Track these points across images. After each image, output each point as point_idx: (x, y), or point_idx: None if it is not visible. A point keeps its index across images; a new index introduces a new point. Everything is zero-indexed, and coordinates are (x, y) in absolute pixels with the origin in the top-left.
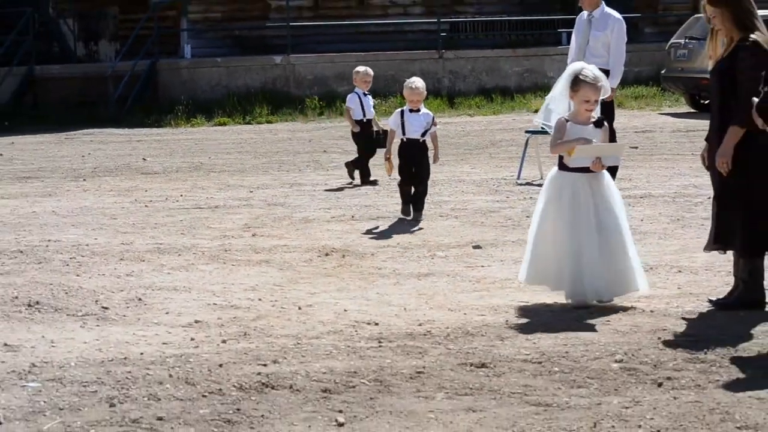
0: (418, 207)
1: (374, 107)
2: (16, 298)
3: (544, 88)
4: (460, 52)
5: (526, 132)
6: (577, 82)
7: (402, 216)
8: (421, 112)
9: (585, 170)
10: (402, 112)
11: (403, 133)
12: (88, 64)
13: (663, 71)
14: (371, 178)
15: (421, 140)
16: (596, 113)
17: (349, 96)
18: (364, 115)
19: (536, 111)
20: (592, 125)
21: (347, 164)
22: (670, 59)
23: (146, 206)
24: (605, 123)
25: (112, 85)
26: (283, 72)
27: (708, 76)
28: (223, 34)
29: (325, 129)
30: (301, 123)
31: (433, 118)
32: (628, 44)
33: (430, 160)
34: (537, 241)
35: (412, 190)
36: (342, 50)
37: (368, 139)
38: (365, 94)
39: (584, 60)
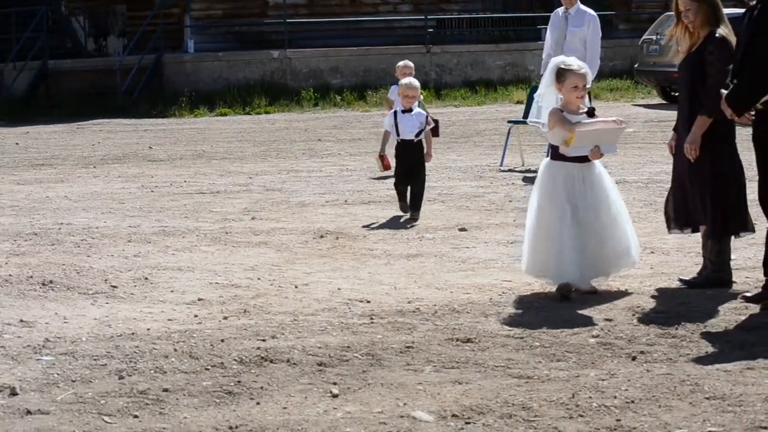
0: (416, 206)
1: (421, 102)
2: (31, 277)
3: (525, 81)
4: (447, 47)
5: (509, 122)
6: (561, 73)
7: (401, 212)
8: (414, 112)
9: (578, 159)
10: (395, 113)
11: (398, 135)
12: (98, 59)
13: (636, 65)
14: None
15: (415, 140)
16: (585, 103)
17: (392, 88)
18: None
19: (518, 102)
20: (584, 115)
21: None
22: (642, 54)
23: (152, 191)
24: (596, 113)
25: (120, 78)
26: (281, 65)
27: (677, 69)
28: (224, 30)
29: (319, 119)
30: (297, 113)
31: (427, 117)
32: (603, 40)
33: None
34: (535, 234)
35: (408, 189)
36: (335, 45)
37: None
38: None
39: (562, 54)
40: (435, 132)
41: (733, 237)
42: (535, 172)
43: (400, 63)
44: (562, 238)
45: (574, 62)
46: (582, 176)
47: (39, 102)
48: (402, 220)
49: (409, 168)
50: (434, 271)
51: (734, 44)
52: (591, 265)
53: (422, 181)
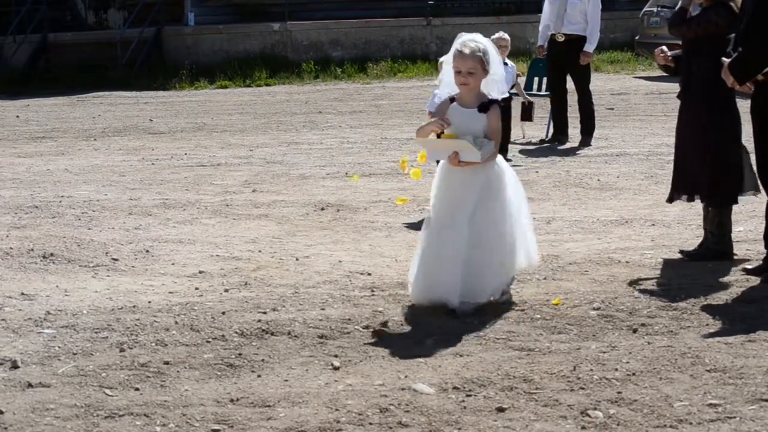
0: None
1: (516, 77)
2: (32, 250)
3: (525, 54)
4: (447, 19)
5: (509, 93)
6: (454, 54)
7: None
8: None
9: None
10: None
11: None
12: (99, 32)
13: (637, 37)
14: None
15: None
16: (497, 93)
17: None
18: None
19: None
20: (476, 109)
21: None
22: (643, 26)
23: (153, 164)
24: (497, 105)
25: (121, 50)
26: (281, 38)
27: (679, 42)
28: (224, 3)
29: (320, 91)
30: (298, 86)
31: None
32: (604, 12)
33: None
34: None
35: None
36: (336, 17)
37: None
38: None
39: (562, 27)
40: (527, 116)
41: (734, 207)
42: (535, 144)
43: (495, 35)
44: (436, 251)
45: (471, 43)
46: (473, 182)
47: (39, 75)
48: (402, 187)
49: None
50: None
51: (739, 12)
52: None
53: None
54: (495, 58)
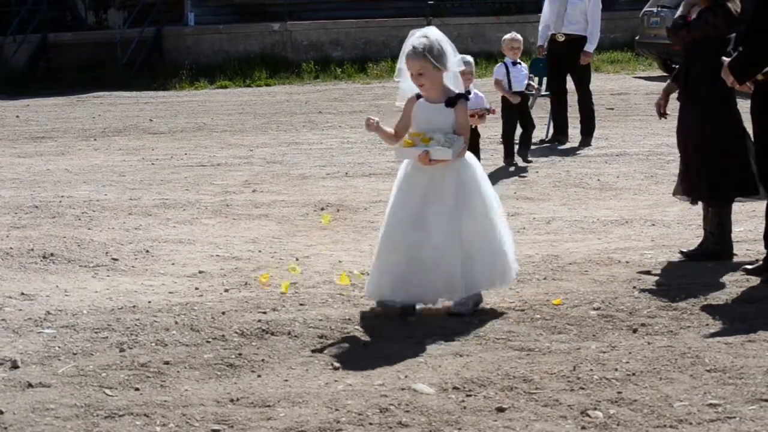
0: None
1: (530, 78)
2: (32, 250)
3: (525, 53)
4: (447, 19)
5: None
6: (407, 55)
7: None
8: (472, 95)
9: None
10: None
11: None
12: (98, 32)
13: (637, 37)
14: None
15: (472, 126)
16: (459, 87)
17: (496, 68)
18: (511, 88)
19: None
20: (443, 104)
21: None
22: (643, 26)
23: (153, 164)
24: (465, 99)
25: (121, 50)
26: (281, 38)
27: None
28: (224, 3)
29: (320, 91)
30: (298, 86)
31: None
32: (604, 12)
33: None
34: (382, 245)
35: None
36: (336, 17)
37: (513, 112)
38: (514, 63)
39: (563, 27)
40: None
41: (734, 207)
42: (536, 144)
43: (507, 36)
44: (402, 248)
45: (414, 41)
46: (446, 179)
47: (39, 75)
48: None
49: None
50: None
51: (738, 13)
52: (412, 282)
53: None
54: (448, 51)
